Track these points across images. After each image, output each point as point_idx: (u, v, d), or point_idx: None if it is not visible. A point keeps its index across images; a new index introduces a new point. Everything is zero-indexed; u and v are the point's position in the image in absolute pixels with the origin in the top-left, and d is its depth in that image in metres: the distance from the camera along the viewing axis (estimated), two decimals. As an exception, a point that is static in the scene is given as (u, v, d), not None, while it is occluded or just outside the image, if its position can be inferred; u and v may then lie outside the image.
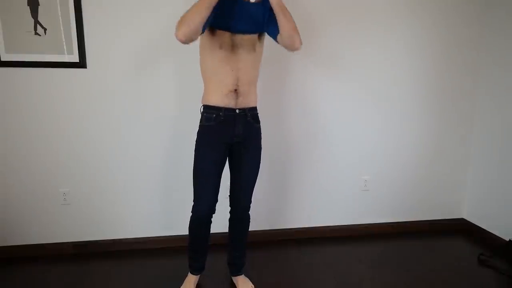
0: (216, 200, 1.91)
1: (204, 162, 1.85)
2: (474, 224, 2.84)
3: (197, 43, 1.79)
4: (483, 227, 2.77)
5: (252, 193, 1.98)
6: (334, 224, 2.75)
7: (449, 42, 2.64)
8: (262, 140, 1.94)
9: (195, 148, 1.86)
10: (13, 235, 2.33)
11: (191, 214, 1.92)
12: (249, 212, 2.02)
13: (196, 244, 2.00)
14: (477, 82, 2.74)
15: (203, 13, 1.56)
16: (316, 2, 2.39)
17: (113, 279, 2.15)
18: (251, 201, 1.99)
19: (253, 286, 2.08)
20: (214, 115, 1.79)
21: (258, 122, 1.91)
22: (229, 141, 1.84)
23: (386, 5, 2.48)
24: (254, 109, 1.88)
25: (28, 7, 2.07)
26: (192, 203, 1.91)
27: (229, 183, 1.98)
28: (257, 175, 1.96)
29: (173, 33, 1.60)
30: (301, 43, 1.73)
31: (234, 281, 2.12)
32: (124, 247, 2.46)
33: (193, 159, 1.86)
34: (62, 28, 2.13)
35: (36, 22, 2.10)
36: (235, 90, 1.77)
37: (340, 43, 2.48)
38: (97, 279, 2.15)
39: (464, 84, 2.74)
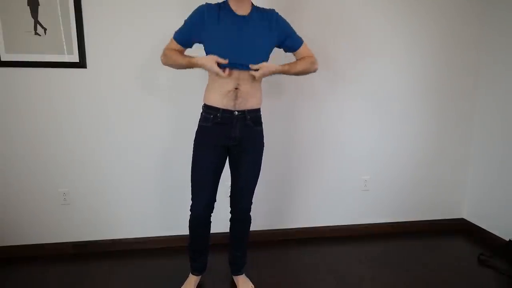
0: (214, 200, 1.90)
1: (200, 163, 1.84)
2: (474, 224, 2.84)
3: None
4: (483, 227, 2.77)
5: (252, 196, 1.96)
6: (334, 224, 2.76)
7: (449, 41, 2.64)
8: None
9: (193, 148, 1.86)
10: (13, 235, 2.33)
11: (189, 213, 1.93)
12: (250, 213, 2.01)
13: (196, 243, 2.00)
14: (477, 81, 2.75)
15: (179, 67, 1.79)
16: (317, 2, 2.39)
17: (113, 279, 2.15)
18: (251, 203, 1.98)
19: (253, 286, 2.08)
20: (212, 116, 1.77)
21: (260, 124, 1.87)
22: (225, 144, 1.82)
23: (386, 4, 2.49)
24: (255, 111, 1.83)
25: (28, 7, 2.07)
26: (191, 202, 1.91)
27: (229, 183, 1.98)
28: (257, 178, 1.94)
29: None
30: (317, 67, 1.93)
31: (235, 280, 2.12)
32: (124, 247, 2.46)
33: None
34: (62, 28, 2.13)
35: (36, 22, 2.10)
36: (236, 88, 1.74)
37: (340, 43, 2.48)
38: (97, 279, 2.15)
39: (464, 84, 2.74)
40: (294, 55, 1.90)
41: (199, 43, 1.77)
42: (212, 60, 1.65)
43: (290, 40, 1.84)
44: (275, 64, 1.75)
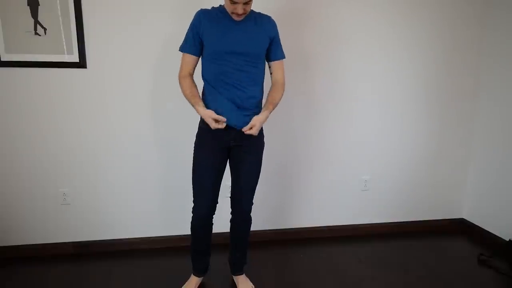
0: (216, 202, 1.91)
1: (201, 164, 1.85)
2: (474, 224, 2.84)
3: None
4: (483, 227, 2.77)
5: (252, 197, 1.96)
6: (334, 224, 2.75)
7: (450, 42, 2.64)
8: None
9: (193, 150, 1.87)
10: (13, 235, 2.33)
11: (192, 215, 1.93)
12: (250, 214, 2.01)
13: (198, 245, 2.00)
14: (477, 82, 2.74)
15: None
16: (317, 2, 2.39)
17: (113, 279, 2.16)
18: (252, 204, 1.97)
19: (253, 286, 2.08)
20: None
21: None
22: (225, 144, 1.82)
23: (387, 5, 2.48)
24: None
25: (28, 7, 2.07)
26: (192, 203, 1.92)
27: (229, 183, 1.98)
28: (258, 179, 1.94)
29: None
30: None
31: (235, 280, 2.12)
32: (124, 247, 2.46)
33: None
34: (62, 28, 2.13)
35: (36, 22, 2.10)
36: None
37: (341, 44, 2.48)
38: (97, 279, 2.15)
39: (464, 85, 2.74)
40: (269, 64, 1.89)
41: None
42: (209, 118, 1.70)
43: (274, 47, 1.84)
44: (262, 114, 1.77)
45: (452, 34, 2.63)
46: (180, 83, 1.81)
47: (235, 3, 1.61)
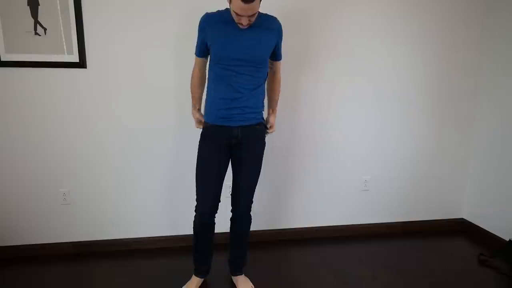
0: (218, 200, 1.92)
1: (204, 163, 1.87)
2: (474, 224, 2.84)
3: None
4: (483, 227, 2.77)
5: (253, 193, 1.98)
6: (334, 224, 2.76)
7: (450, 42, 2.64)
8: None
9: (198, 148, 1.89)
10: (13, 235, 2.33)
11: (194, 213, 1.94)
12: (250, 212, 2.02)
13: (200, 244, 2.01)
14: (477, 82, 2.74)
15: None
16: (317, 1, 2.39)
17: (113, 279, 2.16)
18: (252, 201, 1.99)
19: (253, 286, 2.08)
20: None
21: (262, 123, 1.91)
22: (227, 142, 1.85)
23: (387, 5, 2.49)
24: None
25: (28, 7, 2.07)
26: (195, 202, 1.93)
27: (231, 183, 1.99)
28: (258, 176, 1.96)
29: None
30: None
31: (234, 281, 2.12)
32: (124, 247, 2.46)
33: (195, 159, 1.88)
34: (62, 28, 2.13)
35: (36, 22, 2.10)
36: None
37: (341, 44, 2.48)
38: (97, 279, 2.15)
39: (464, 84, 2.74)
40: (270, 62, 1.96)
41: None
42: (197, 123, 1.97)
43: (278, 50, 1.92)
44: (272, 116, 2.02)
45: (452, 34, 2.63)
46: (191, 79, 1.97)
47: (240, 15, 1.63)
